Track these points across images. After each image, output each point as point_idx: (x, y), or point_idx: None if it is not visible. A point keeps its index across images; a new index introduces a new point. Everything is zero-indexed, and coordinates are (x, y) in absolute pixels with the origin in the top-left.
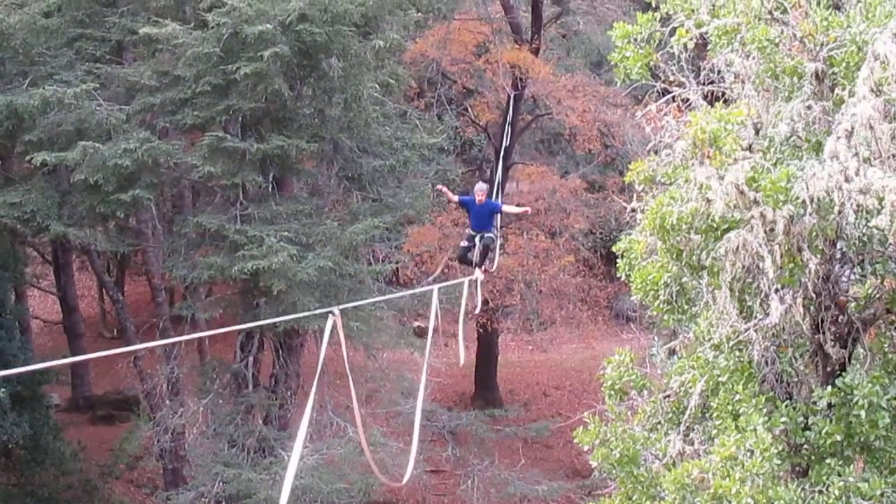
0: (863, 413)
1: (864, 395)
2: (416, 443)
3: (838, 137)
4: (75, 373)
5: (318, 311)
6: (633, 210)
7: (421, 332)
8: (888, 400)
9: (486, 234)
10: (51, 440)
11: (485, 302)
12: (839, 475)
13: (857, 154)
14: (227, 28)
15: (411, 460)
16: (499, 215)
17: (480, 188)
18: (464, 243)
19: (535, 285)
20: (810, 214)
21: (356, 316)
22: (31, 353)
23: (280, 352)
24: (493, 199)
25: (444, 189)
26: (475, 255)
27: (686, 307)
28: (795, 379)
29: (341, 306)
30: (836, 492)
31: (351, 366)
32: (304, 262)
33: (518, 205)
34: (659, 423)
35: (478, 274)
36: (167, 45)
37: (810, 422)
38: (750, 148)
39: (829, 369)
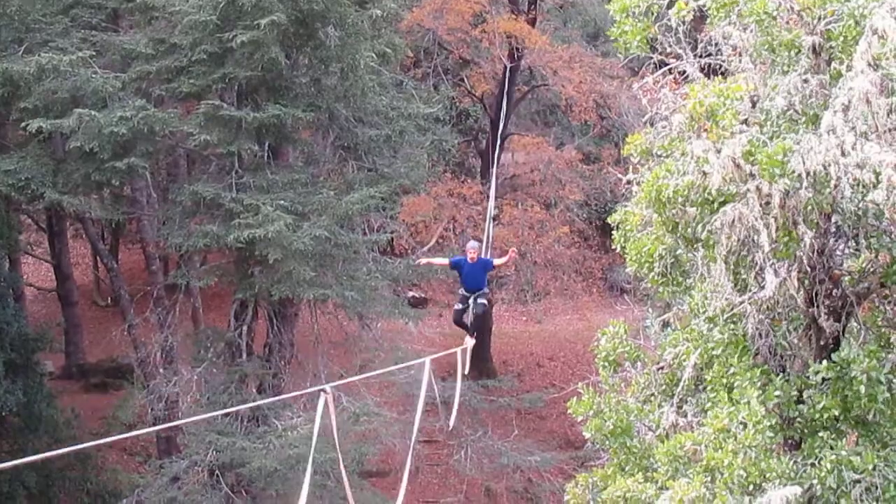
0: (861, 388)
1: (862, 370)
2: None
3: (835, 112)
4: (69, 340)
5: (310, 390)
6: (629, 182)
7: (415, 303)
8: (886, 374)
9: (479, 301)
10: (44, 408)
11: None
12: (832, 448)
13: (853, 128)
14: None
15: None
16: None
17: (472, 246)
18: (458, 306)
19: (529, 256)
20: (806, 188)
21: (351, 285)
22: (24, 320)
23: (274, 321)
24: (489, 184)
25: (428, 260)
26: (469, 322)
27: (681, 279)
28: (789, 352)
29: (333, 384)
30: (829, 465)
31: (345, 335)
32: (299, 231)
33: (502, 253)
34: (652, 394)
35: (468, 342)
36: (163, 12)
37: (804, 395)
38: (746, 121)
39: (822, 343)
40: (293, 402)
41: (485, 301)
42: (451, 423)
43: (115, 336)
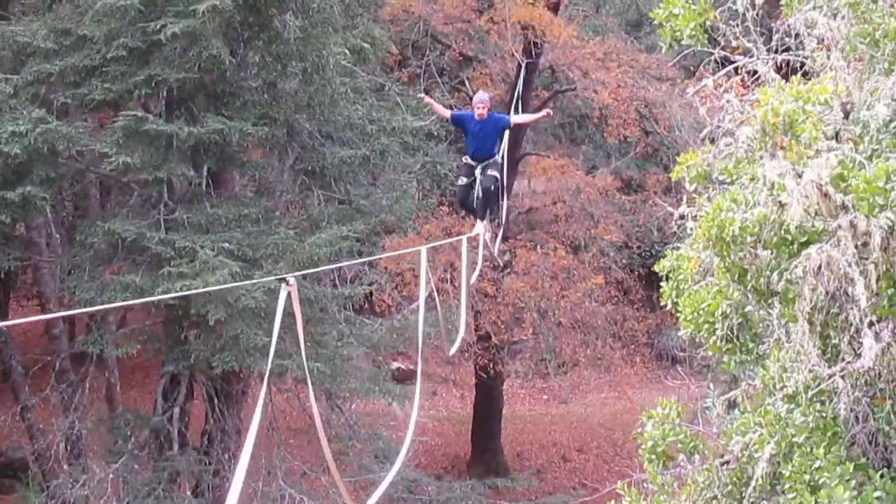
0: None
1: None
2: None
3: None
4: None
5: (269, 279)
6: (682, 217)
7: (401, 377)
8: None
9: (489, 172)
10: None
11: (498, 225)
12: None
13: None
14: None
15: None
16: (506, 133)
17: (481, 98)
18: (462, 180)
19: (552, 315)
20: None
21: (317, 354)
22: None
23: (215, 402)
24: (497, 220)
25: (430, 100)
26: (475, 201)
27: (751, 345)
28: (894, 441)
29: (296, 273)
30: None
31: (308, 421)
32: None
33: (536, 111)
34: (715, 497)
35: (479, 228)
36: None
37: None
38: (837, 136)
39: None
40: None
41: (495, 173)
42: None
43: (4, 422)
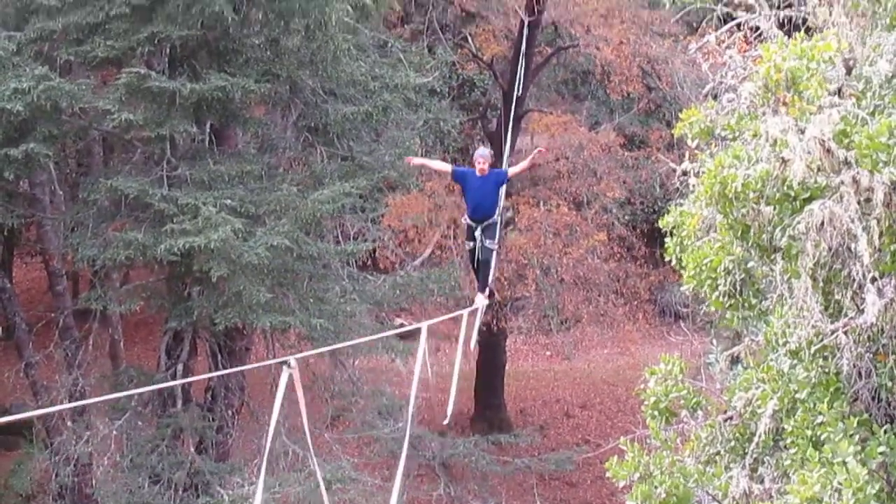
0: None
1: None
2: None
3: None
4: None
5: (271, 362)
6: (685, 173)
7: (404, 333)
8: None
9: (486, 242)
10: None
11: (490, 295)
12: None
13: None
14: None
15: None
16: (504, 186)
17: (482, 154)
18: (469, 244)
19: (554, 272)
20: None
21: (319, 310)
22: None
23: (218, 357)
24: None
25: (419, 160)
26: (478, 272)
27: (754, 301)
28: None
29: (298, 356)
30: None
31: (312, 377)
32: (251, 240)
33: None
34: (718, 453)
35: (479, 301)
36: None
37: None
38: (840, 92)
39: None
40: (245, 465)
41: (493, 245)
42: (448, 418)
43: (7, 378)
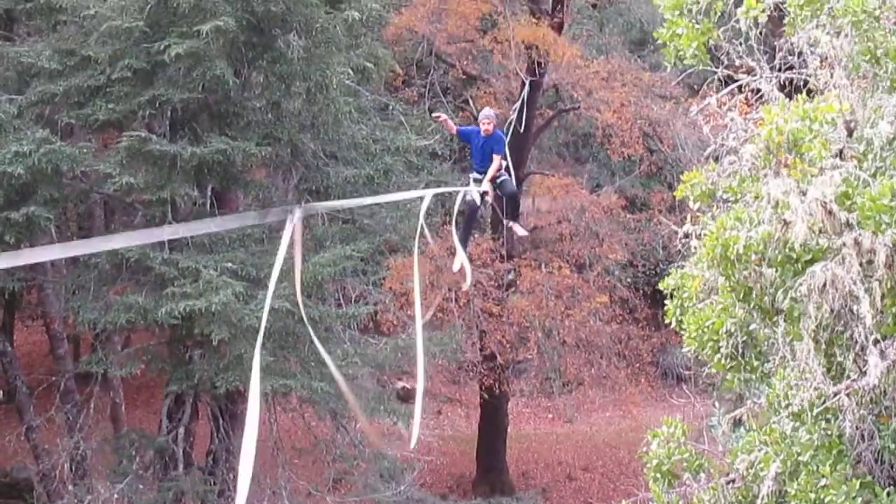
0: None
1: None
2: None
3: None
4: None
5: (275, 209)
6: (686, 235)
7: (406, 396)
8: None
9: (500, 181)
10: None
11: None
12: None
13: None
14: None
15: None
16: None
17: (487, 115)
18: (469, 197)
19: (556, 334)
20: None
21: (321, 373)
22: None
23: (220, 421)
24: (502, 239)
25: (444, 117)
26: (505, 207)
27: (756, 363)
28: None
29: (305, 206)
30: None
31: (314, 440)
32: (252, 303)
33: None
34: None
35: (518, 230)
36: (73, 16)
37: None
38: (841, 154)
39: None
40: None
41: (510, 183)
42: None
43: (8, 442)
